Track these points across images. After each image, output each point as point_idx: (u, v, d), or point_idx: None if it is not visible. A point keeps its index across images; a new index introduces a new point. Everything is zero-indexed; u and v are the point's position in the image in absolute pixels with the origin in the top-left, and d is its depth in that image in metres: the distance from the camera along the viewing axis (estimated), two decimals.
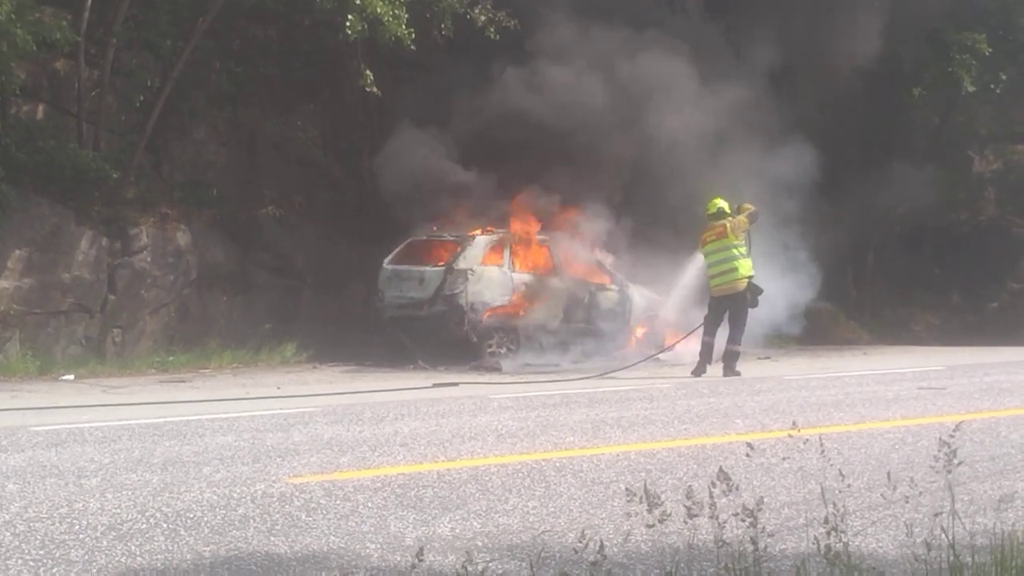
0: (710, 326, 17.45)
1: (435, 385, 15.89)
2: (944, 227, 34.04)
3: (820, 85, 26.15)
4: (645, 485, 5.16)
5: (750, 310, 17.50)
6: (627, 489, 5.29)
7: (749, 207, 17.70)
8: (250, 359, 19.15)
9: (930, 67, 26.80)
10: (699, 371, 17.06)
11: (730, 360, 17.24)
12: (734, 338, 17.36)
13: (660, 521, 4.83)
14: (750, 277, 17.36)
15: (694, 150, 22.08)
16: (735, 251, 17.32)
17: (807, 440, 6.25)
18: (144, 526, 6.68)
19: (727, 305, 17.40)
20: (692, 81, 22.34)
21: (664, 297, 20.91)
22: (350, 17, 17.95)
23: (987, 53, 25.98)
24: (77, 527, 6.63)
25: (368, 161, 23.53)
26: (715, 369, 17.21)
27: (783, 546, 6.16)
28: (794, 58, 24.10)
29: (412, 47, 18.97)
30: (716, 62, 23.06)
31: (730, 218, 17.48)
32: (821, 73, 25.34)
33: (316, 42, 21.73)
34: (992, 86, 27.55)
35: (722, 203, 17.71)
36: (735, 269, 17.29)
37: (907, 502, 6.08)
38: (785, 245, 22.40)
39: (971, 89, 26.53)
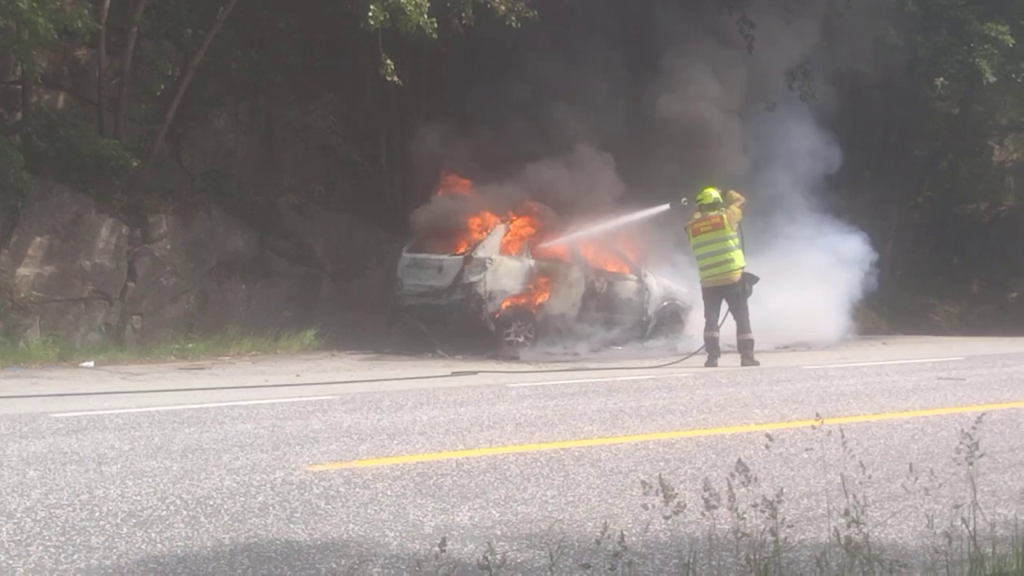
0: (711, 319, 17.40)
1: (454, 373, 15.92)
2: (963, 217, 34.02)
3: (838, 76, 25.95)
4: (660, 477, 5.16)
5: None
6: (642, 481, 5.29)
7: (739, 196, 17.62)
8: (269, 346, 19.18)
9: (951, 56, 26.63)
10: (712, 363, 17.01)
11: (746, 349, 17.20)
12: (743, 327, 17.28)
13: (675, 513, 4.83)
14: (743, 267, 17.31)
15: (709, 140, 22.13)
16: (731, 242, 17.28)
17: (828, 431, 6.24)
18: (164, 513, 6.71)
19: (721, 295, 17.36)
20: (707, 73, 22.42)
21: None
22: (372, 6, 17.92)
23: (1011, 44, 25.80)
24: (98, 514, 6.67)
25: (387, 149, 23.59)
26: (727, 359, 17.17)
27: (803, 537, 6.15)
28: (811, 49, 23.99)
29: (434, 36, 18.94)
30: (732, 53, 23.07)
31: (724, 209, 17.39)
32: (839, 65, 25.20)
33: (337, 31, 21.73)
34: (1013, 76, 27.37)
35: (716, 193, 17.62)
36: (731, 260, 17.23)
37: (927, 493, 6.05)
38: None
39: (992, 79, 26.36)
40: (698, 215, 17.62)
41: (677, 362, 17.45)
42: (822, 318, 21.55)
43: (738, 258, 17.29)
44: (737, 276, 17.24)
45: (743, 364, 16.93)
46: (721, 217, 17.30)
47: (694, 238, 17.70)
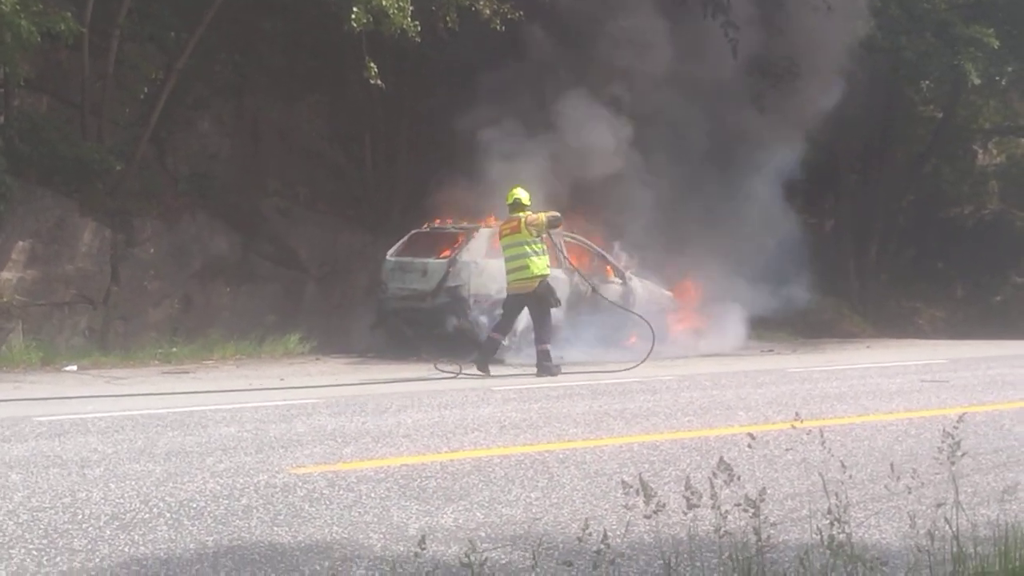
0: (503, 323, 16.95)
1: (436, 367, 15.92)
2: (948, 220, 34.15)
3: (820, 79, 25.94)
4: (640, 477, 5.15)
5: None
6: (623, 482, 5.30)
7: (554, 213, 17.18)
8: (253, 350, 19.13)
9: (936, 59, 26.70)
10: (480, 363, 16.35)
11: (542, 359, 16.45)
12: (541, 337, 16.63)
13: (655, 512, 4.83)
14: (543, 276, 16.68)
15: (687, 145, 22.23)
16: (527, 248, 16.60)
17: (810, 432, 6.25)
18: (147, 516, 6.69)
19: (523, 303, 16.84)
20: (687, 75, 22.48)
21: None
22: (355, 9, 17.90)
23: (995, 47, 25.87)
24: (80, 516, 6.64)
25: (371, 152, 23.58)
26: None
27: (786, 537, 6.16)
28: (794, 52, 24.03)
29: (417, 39, 18.93)
30: (713, 55, 23.10)
31: (527, 213, 16.89)
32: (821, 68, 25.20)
33: (321, 33, 21.71)
34: (997, 79, 27.49)
35: (520, 194, 17.05)
36: (527, 267, 16.58)
37: (910, 493, 6.07)
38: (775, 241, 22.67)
39: (977, 82, 26.44)
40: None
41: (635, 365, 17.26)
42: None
43: (534, 265, 16.55)
44: (534, 284, 16.56)
45: (538, 375, 16.18)
46: (519, 220, 16.75)
47: (500, 241, 17.26)
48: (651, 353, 17.69)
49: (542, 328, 16.68)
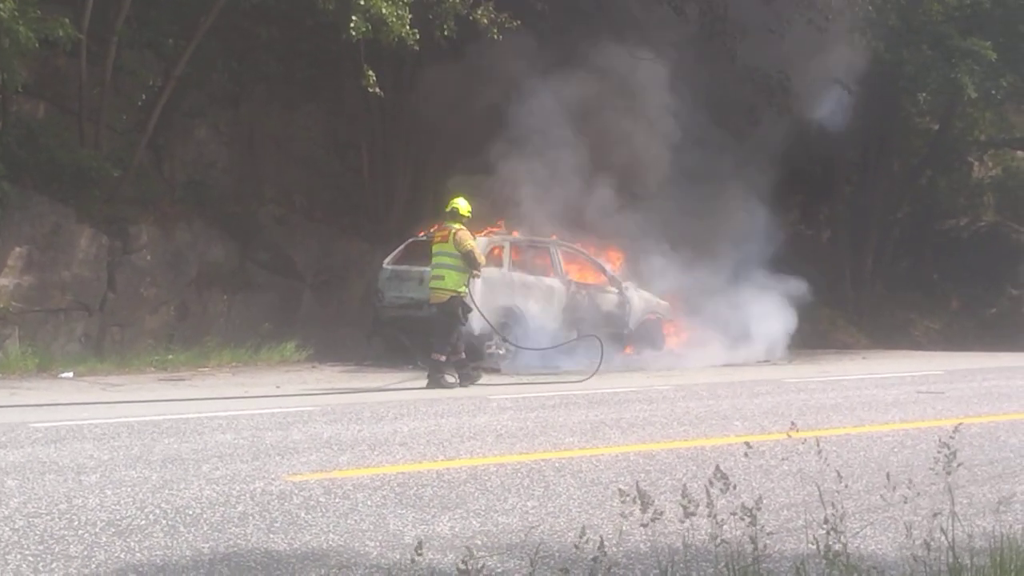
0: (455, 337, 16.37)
1: (429, 377, 15.83)
2: (943, 232, 34.23)
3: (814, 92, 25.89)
4: (637, 485, 5.16)
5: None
6: (620, 490, 5.31)
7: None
8: (249, 358, 19.11)
9: (934, 72, 26.72)
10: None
11: (433, 371, 15.88)
12: (439, 347, 16.09)
13: (652, 520, 4.83)
14: (457, 292, 16.20)
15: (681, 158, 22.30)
16: (448, 259, 16.24)
17: (806, 442, 6.26)
18: (143, 522, 6.69)
19: (446, 312, 16.34)
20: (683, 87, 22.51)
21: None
22: (354, 18, 17.91)
23: (992, 59, 25.89)
24: (76, 523, 6.64)
25: (369, 160, 23.60)
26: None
27: (782, 547, 6.17)
28: (788, 64, 24.02)
29: (415, 47, 18.96)
30: (710, 66, 23.12)
31: (461, 227, 16.41)
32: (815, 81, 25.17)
33: (318, 42, 21.74)
34: (993, 92, 27.51)
35: (459, 204, 16.63)
36: (443, 278, 16.23)
37: (906, 504, 6.08)
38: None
39: (974, 94, 26.46)
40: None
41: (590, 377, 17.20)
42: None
43: (451, 279, 16.18)
44: (445, 297, 16.17)
45: (428, 386, 15.71)
46: (449, 232, 16.34)
47: (432, 248, 16.88)
48: (600, 367, 17.62)
49: (442, 339, 16.16)
